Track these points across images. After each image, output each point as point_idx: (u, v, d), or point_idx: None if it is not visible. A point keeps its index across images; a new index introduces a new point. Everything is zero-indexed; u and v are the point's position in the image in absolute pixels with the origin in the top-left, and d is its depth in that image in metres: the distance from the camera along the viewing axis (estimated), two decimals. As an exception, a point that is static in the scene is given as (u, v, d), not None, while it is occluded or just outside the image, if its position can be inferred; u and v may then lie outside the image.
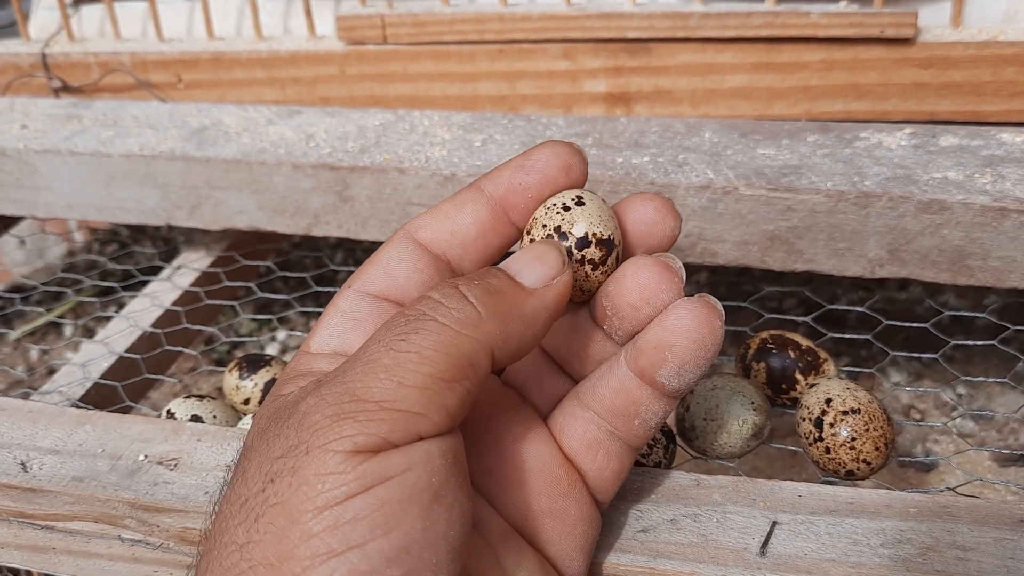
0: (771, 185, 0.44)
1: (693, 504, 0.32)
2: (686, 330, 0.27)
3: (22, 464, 0.36)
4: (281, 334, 0.83)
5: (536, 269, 0.27)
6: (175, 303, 0.57)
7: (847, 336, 0.49)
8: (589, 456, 0.29)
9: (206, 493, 0.34)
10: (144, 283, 0.61)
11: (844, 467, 0.37)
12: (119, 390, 0.49)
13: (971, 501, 0.31)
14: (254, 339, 0.69)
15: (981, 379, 0.54)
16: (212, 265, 0.61)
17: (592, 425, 0.29)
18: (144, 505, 0.34)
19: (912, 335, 0.69)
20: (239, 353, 0.80)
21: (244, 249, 0.62)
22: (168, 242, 0.89)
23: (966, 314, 0.50)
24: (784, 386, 0.41)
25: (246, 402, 0.45)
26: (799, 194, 0.44)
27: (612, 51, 0.59)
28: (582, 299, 0.29)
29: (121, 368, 0.51)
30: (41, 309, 0.82)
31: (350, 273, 0.30)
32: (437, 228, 0.29)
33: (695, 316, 0.27)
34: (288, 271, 0.62)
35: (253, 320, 0.82)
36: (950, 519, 0.31)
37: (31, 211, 0.59)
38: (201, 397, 0.44)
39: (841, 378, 0.40)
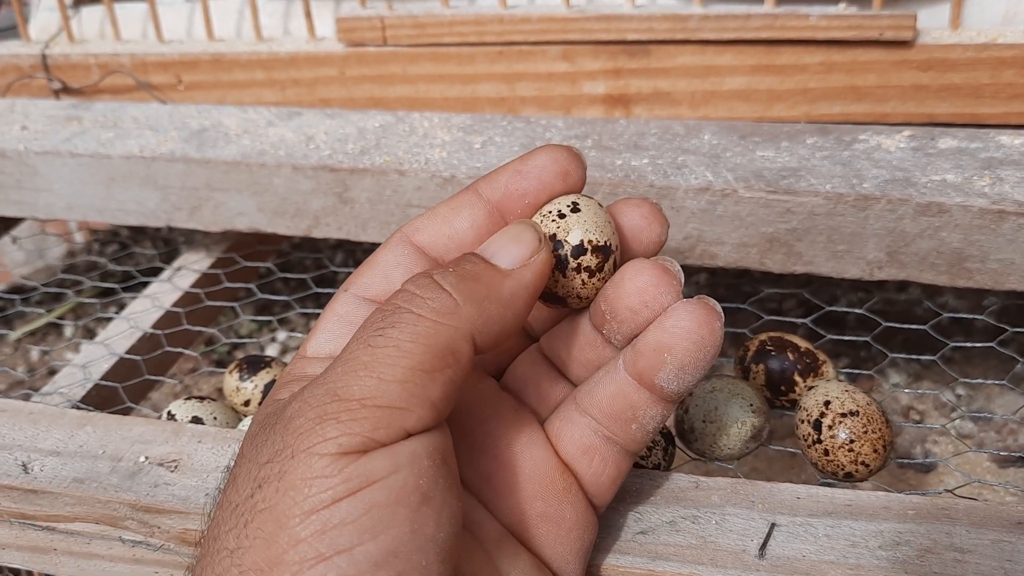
0: (770, 187, 0.45)
1: (692, 506, 0.32)
2: (685, 331, 0.27)
3: (23, 465, 0.36)
4: (281, 335, 0.83)
5: (512, 250, 0.27)
6: (175, 304, 0.57)
7: (846, 338, 0.49)
8: (585, 461, 0.29)
9: (206, 495, 0.34)
10: (144, 284, 0.61)
11: (843, 469, 0.37)
12: (120, 391, 0.49)
13: (969, 503, 0.32)
14: (254, 340, 0.69)
15: (980, 381, 0.54)
16: (212, 266, 0.61)
17: (588, 430, 0.29)
18: (145, 506, 0.34)
19: (911, 337, 0.69)
20: (239, 354, 0.80)
21: (244, 250, 0.62)
22: (168, 243, 0.89)
23: (965, 316, 0.50)
24: (783, 388, 0.41)
25: (246, 403, 0.45)
26: (798, 196, 0.44)
27: (611, 53, 0.59)
28: (580, 305, 0.29)
29: (122, 369, 0.52)
30: (41, 310, 0.82)
31: (350, 274, 0.30)
32: (434, 232, 0.29)
33: (694, 317, 0.27)
34: (288, 272, 0.62)
35: (253, 321, 0.82)
36: (948, 521, 0.31)
37: (31, 212, 0.59)
38: (201, 398, 0.44)
39: (840, 380, 0.40)
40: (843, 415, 0.37)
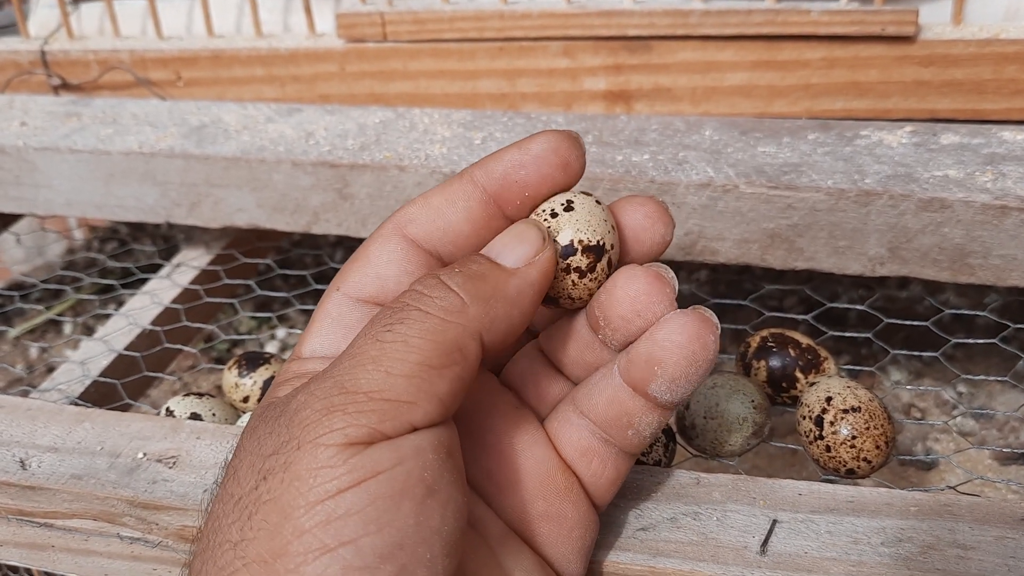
0: (771, 183, 0.44)
1: (693, 502, 0.32)
2: (676, 346, 0.26)
3: (21, 462, 0.36)
4: (281, 332, 0.83)
5: (516, 249, 0.27)
6: (174, 301, 0.57)
7: (847, 334, 0.49)
8: (584, 463, 0.29)
9: (205, 491, 0.34)
10: (143, 281, 0.61)
11: (844, 465, 0.37)
12: (118, 388, 0.49)
13: (972, 500, 0.31)
14: (253, 337, 0.69)
15: (982, 377, 0.54)
16: (212, 263, 0.60)
17: (587, 432, 0.29)
18: (143, 503, 0.34)
19: (913, 333, 0.69)
20: (238, 351, 0.80)
21: (244, 247, 0.62)
22: (167, 240, 0.89)
23: (967, 312, 0.50)
24: (784, 384, 0.41)
25: (245, 400, 0.45)
26: (799, 192, 0.44)
27: (612, 49, 0.59)
28: (573, 306, 0.29)
29: (120, 366, 0.51)
30: (40, 307, 0.82)
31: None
32: (428, 224, 0.28)
33: (686, 332, 0.26)
34: (288, 269, 0.62)
35: (253, 318, 0.82)
36: (951, 518, 0.31)
37: (30, 209, 0.59)
38: (200, 395, 0.44)
39: (841, 376, 0.40)
40: (845, 411, 0.37)
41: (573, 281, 0.28)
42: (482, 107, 0.62)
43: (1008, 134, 0.47)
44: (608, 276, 0.28)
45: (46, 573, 0.44)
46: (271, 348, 0.81)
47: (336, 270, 0.30)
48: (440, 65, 0.62)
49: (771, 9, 0.55)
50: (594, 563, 0.30)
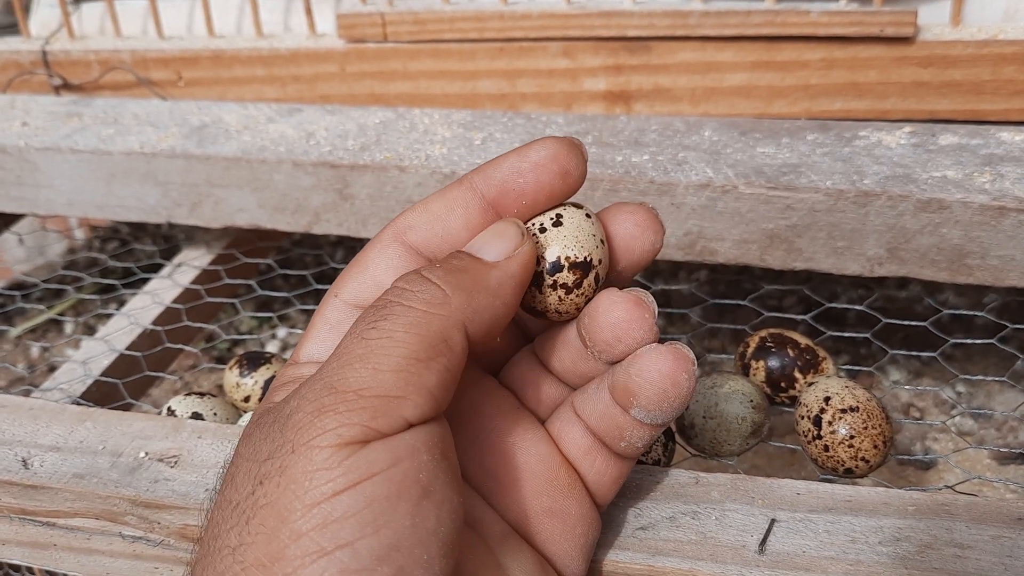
0: (770, 184, 0.45)
1: (692, 502, 0.32)
2: (648, 382, 0.27)
3: (23, 461, 0.36)
4: (281, 331, 0.83)
5: (496, 244, 0.27)
6: (176, 300, 0.57)
7: (846, 334, 0.49)
8: (587, 461, 0.29)
9: (206, 490, 0.34)
10: (145, 280, 0.61)
11: (843, 465, 0.37)
12: (120, 387, 0.49)
13: (969, 499, 0.32)
14: (254, 337, 0.69)
15: (980, 377, 0.54)
16: (212, 263, 0.61)
17: (589, 433, 0.29)
18: (145, 502, 0.34)
19: (911, 333, 0.69)
20: (239, 350, 0.80)
21: (244, 247, 0.62)
22: (168, 240, 0.89)
23: (965, 312, 0.50)
24: (783, 384, 0.41)
25: (246, 399, 0.45)
26: (798, 193, 0.44)
27: (612, 49, 0.59)
28: (561, 319, 0.29)
29: (122, 365, 0.52)
30: (42, 306, 0.82)
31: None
32: (427, 231, 0.28)
33: (658, 369, 0.27)
34: (288, 269, 0.62)
35: (253, 318, 0.82)
36: (948, 517, 0.31)
37: (32, 208, 0.59)
38: (202, 394, 0.44)
39: (840, 376, 0.40)
40: (843, 411, 0.37)
41: (560, 297, 0.28)
42: (482, 107, 0.62)
43: (1006, 135, 0.47)
44: (596, 290, 0.28)
45: (48, 572, 0.44)
46: (272, 348, 0.81)
47: (336, 270, 0.31)
48: (440, 65, 0.62)
49: (770, 10, 0.55)
50: (593, 562, 0.30)
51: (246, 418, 0.44)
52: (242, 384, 0.45)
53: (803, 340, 0.42)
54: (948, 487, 0.37)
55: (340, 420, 0.23)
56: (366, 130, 0.54)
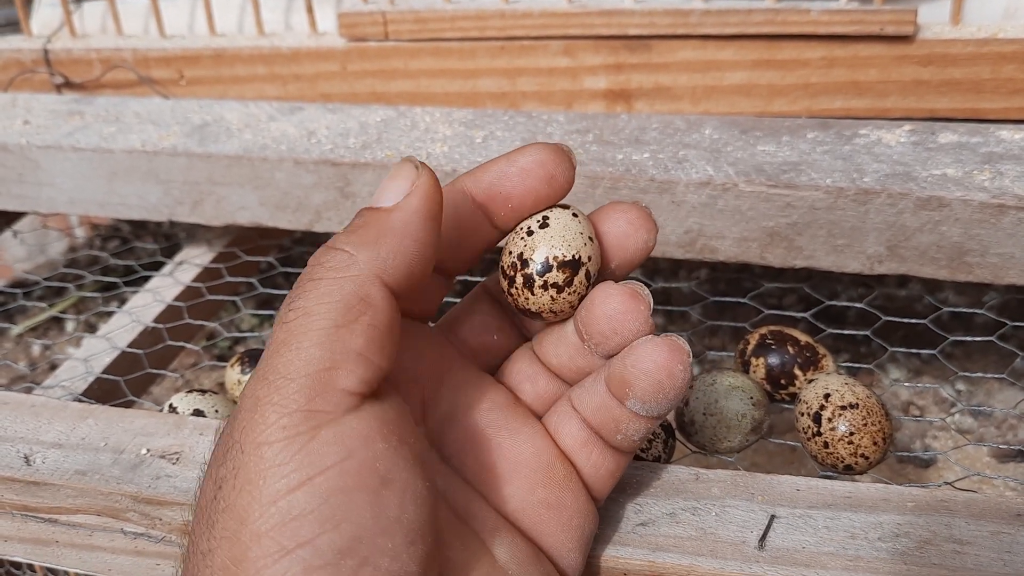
0: (771, 182, 0.45)
1: (692, 498, 0.32)
2: (643, 373, 0.27)
3: (25, 458, 0.37)
4: (282, 330, 0.83)
5: (390, 188, 0.26)
6: (177, 298, 0.57)
7: (846, 332, 0.49)
8: (583, 454, 0.30)
9: (208, 486, 0.34)
10: (146, 279, 0.61)
11: (842, 461, 0.37)
12: (121, 384, 0.49)
13: (968, 495, 0.32)
14: (255, 334, 0.69)
15: (980, 375, 0.54)
16: (214, 261, 0.61)
17: (584, 428, 0.30)
18: (146, 498, 0.34)
19: (911, 331, 0.70)
20: (241, 348, 0.80)
21: (246, 245, 0.63)
22: (170, 238, 0.89)
23: (965, 310, 0.50)
24: (783, 381, 0.41)
25: (248, 397, 0.45)
26: (799, 191, 0.44)
27: (613, 48, 0.59)
28: (556, 319, 0.29)
29: (123, 363, 0.52)
30: (43, 304, 0.82)
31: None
32: None
33: (654, 360, 0.27)
34: (290, 267, 0.62)
35: (255, 316, 0.82)
36: (947, 513, 0.31)
37: (33, 207, 0.59)
38: (203, 392, 0.44)
39: (840, 374, 0.40)
40: (843, 408, 0.37)
41: (552, 297, 0.28)
42: (483, 106, 0.63)
43: (1006, 133, 0.47)
44: (588, 287, 0.29)
45: (50, 569, 0.44)
46: (272, 346, 0.81)
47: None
48: (441, 64, 0.62)
49: (771, 9, 0.55)
50: (593, 557, 0.31)
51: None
52: (243, 381, 0.45)
53: (803, 338, 0.42)
54: (947, 484, 0.37)
55: (278, 410, 0.23)
56: (367, 128, 0.54)
